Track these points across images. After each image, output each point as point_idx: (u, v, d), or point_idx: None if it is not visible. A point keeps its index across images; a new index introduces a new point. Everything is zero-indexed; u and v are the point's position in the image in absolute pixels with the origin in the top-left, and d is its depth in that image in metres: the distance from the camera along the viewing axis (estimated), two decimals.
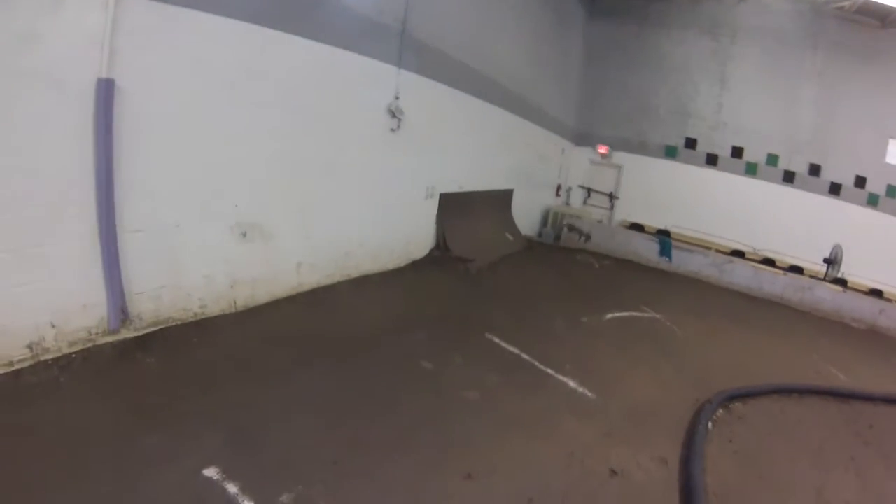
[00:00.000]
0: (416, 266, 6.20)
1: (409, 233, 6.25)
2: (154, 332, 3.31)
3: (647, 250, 10.57)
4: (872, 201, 12.08)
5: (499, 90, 7.69)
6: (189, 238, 3.57)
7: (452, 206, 6.79)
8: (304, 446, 2.63)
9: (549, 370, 4.33)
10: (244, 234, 3.97)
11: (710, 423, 4.30)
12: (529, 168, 9.73)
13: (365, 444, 2.74)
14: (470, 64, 6.78)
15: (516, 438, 3.18)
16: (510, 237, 8.75)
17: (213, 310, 3.78)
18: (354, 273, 5.19)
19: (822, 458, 4.66)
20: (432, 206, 6.62)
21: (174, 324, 3.47)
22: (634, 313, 6.80)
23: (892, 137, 12.00)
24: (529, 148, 9.60)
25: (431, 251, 6.66)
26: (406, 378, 3.58)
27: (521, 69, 8.57)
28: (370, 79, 5.00)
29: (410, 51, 5.42)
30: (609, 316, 6.41)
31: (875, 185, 12.04)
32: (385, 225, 5.66)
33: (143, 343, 3.19)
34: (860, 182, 12.02)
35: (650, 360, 5.37)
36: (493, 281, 6.65)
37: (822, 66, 11.65)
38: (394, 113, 5.32)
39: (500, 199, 8.78)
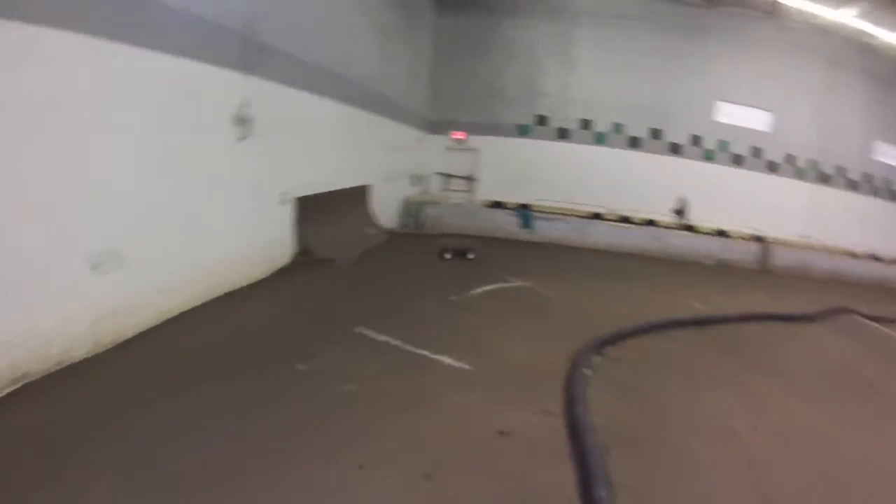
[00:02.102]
0: (281, 273, 7.04)
1: (270, 241, 7.04)
2: (11, 392, 3.50)
3: (508, 225, 12.72)
4: (708, 156, 15.86)
5: (350, 88, 9.03)
6: (37, 277, 3.74)
7: (311, 209, 7.80)
8: (197, 469, 2.95)
9: (424, 351, 5.02)
10: (99, 265, 4.21)
11: (587, 370, 5.16)
12: (385, 162, 11.59)
13: (254, 454, 3.14)
14: (320, 64, 7.83)
15: (401, 421, 3.73)
16: (372, 232, 10.49)
17: (78, 353, 4.05)
18: (219, 290, 5.82)
19: (696, 379, 5.89)
20: (289, 211, 7.48)
21: (34, 377, 3.65)
22: (502, 285, 8.13)
23: (718, 100, 15.97)
24: (384, 142, 11.38)
25: (295, 256, 7.54)
26: (284, 384, 4.07)
27: (372, 66, 10.12)
28: (213, 88, 5.51)
29: (256, 55, 6.09)
30: (478, 291, 7.59)
31: (709, 142, 15.87)
32: (244, 237, 6.38)
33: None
34: (696, 140, 15.74)
35: (523, 325, 6.47)
36: (359, 276, 7.59)
37: (657, 44, 15.24)
38: (241, 121, 5.91)
39: (358, 196, 10.42)
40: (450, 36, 14.37)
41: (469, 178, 14.30)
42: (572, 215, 13.55)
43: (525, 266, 9.58)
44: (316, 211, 7.91)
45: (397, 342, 5.14)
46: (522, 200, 13.87)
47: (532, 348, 5.67)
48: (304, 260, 7.51)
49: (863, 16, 14.03)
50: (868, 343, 9.72)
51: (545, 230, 12.74)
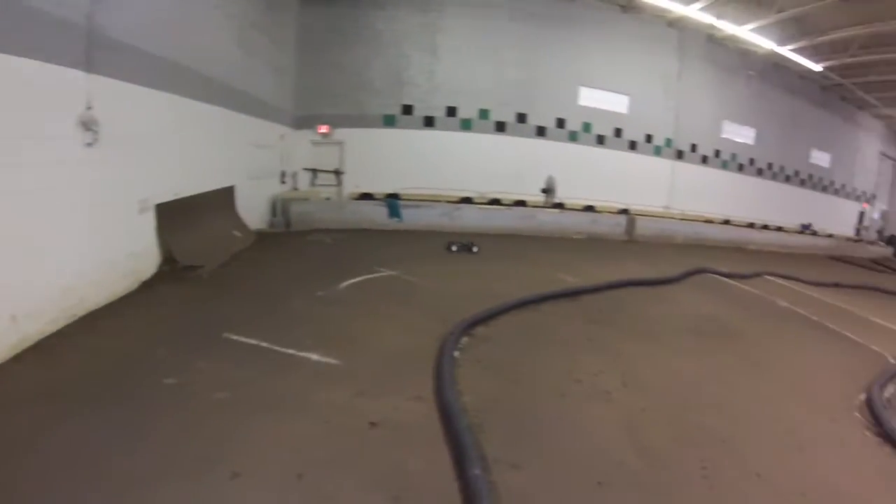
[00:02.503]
0: (147, 286, 6.91)
1: (132, 253, 6.75)
2: None
3: (377, 215, 13.18)
4: (573, 137, 17.38)
5: (210, 85, 8.95)
6: None
7: (173, 215, 7.66)
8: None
9: (291, 350, 5.14)
10: None
11: (456, 352, 5.43)
12: (250, 160, 11.61)
13: (123, 482, 3.09)
14: (175, 61, 7.68)
15: (272, 424, 3.83)
16: (238, 234, 10.55)
17: None
18: (80, 311, 5.58)
19: (566, 348, 6.33)
20: (150, 220, 7.25)
21: None
22: (370, 276, 8.39)
23: (581, 85, 17.48)
24: (248, 140, 11.40)
25: (160, 266, 7.40)
26: (152, 402, 4.01)
27: (232, 61, 10.01)
28: (52, 88, 5.14)
29: (102, 51, 5.77)
30: (345, 284, 7.81)
31: (573, 124, 17.40)
32: (102, 251, 6.10)
33: None
34: (560, 123, 17.20)
35: (391, 314, 6.73)
36: (226, 281, 7.61)
37: (520, 32, 16.39)
38: (87, 125, 5.59)
39: (223, 198, 10.38)
40: (315, 28, 14.62)
41: (337, 172, 14.68)
42: (442, 201, 14.33)
43: (393, 255, 10.00)
44: (179, 217, 7.82)
45: (266, 344, 5.23)
46: (391, 190, 14.44)
47: (401, 336, 5.90)
48: (170, 269, 7.40)
49: (708, 9, 16.02)
50: (725, 297, 11.06)
51: (414, 218, 13.30)
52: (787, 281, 14.33)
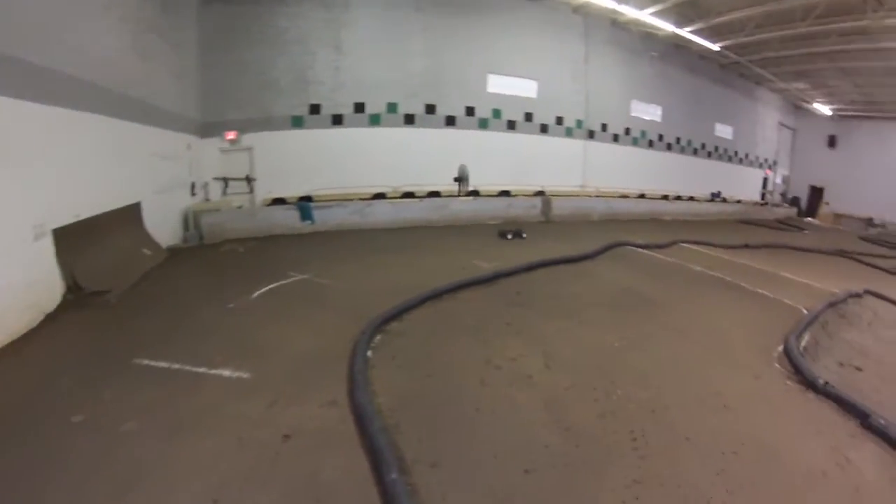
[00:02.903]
0: (50, 318, 6.59)
1: (30, 284, 6.37)
2: None
3: (290, 220, 13.13)
4: (483, 125, 18.08)
5: (103, 96, 8.49)
6: None
7: (74, 239, 7.34)
8: None
9: (202, 369, 5.11)
10: None
11: (369, 352, 5.54)
12: (154, 174, 11.21)
13: None
14: (60, 70, 7.21)
15: (184, 449, 3.81)
16: (148, 252, 10.31)
17: None
18: None
19: (484, 335, 6.46)
20: (48, 246, 6.84)
21: None
22: (283, 282, 8.40)
23: (490, 73, 18.09)
24: (150, 152, 10.94)
25: (64, 295, 7.06)
26: (59, 443, 3.85)
27: (128, 68, 9.51)
28: None
29: None
30: (257, 293, 7.74)
31: (483, 112, 18.06)
32: None
33: None
34: (470, 111, 17.82)
35: (304, 318, 6.75)
36: (136, 303, 7.42)
37: (426, 23, 16.81)
38: None
39: (129, 216, 10.05)
40: (216, 28, 14.09)
41: (248, 179, 14.60)
42: (355, 199, 14.49)
43: (305, 259, 9.98)
44: (82, 240, 7.52)
45: (177, 365, 5.17)
46: (304, 193, 14.54)
47: (313, 340, 5.93)
48: (76, 297, 7.11)
49: None
50: (642, 268, 11.55)
51: (326, 219, 13.40)
52: (700, 247, 15.24)
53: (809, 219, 31.64)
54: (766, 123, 30.72)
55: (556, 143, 20.04)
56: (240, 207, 13.61)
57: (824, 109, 30.06)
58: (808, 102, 30.15)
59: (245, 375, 5.02)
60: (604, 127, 21.61)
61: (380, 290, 7.87)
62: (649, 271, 11.31)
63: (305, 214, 13.03)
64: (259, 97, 14.63)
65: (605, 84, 21.29)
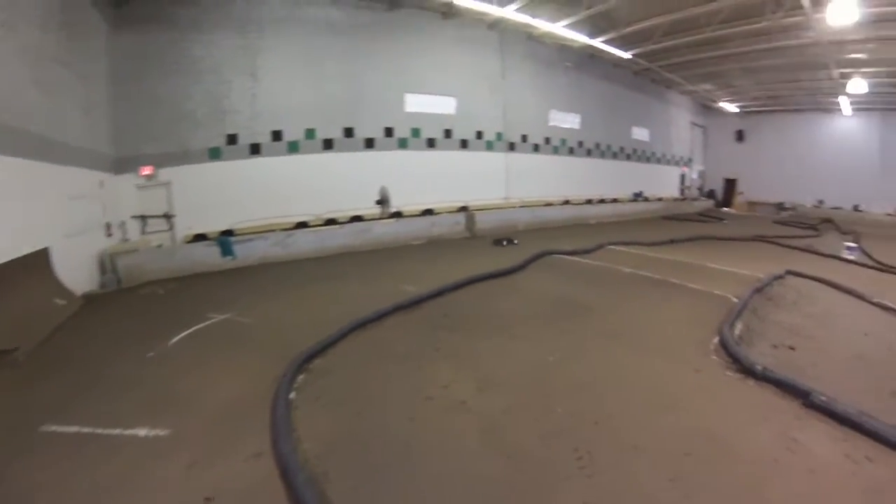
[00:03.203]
0: None
1: None
2: None
3: (210, 257, 12.99)
4: (402, 144, 18.62)
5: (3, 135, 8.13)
6: None
7: None
8: None
9: (117, 430, 4.83)
10: None
11: (292, 394, 5.41)
12: (64, 216, 10.58)
13: None
14: None
15: None
16: (61, 302, 9.79)
17: None
18: None
19: (412, 363, 6.33)
20: None
21: None
22: (204, 324, 8.23)
23: (407, 92, 18.69)
24: (57, 193, 10.29)
25: None
26: None
27: (28, 103, 9.05)
28: None
29: None
30: (175, 339, 7.51)
31: (401, 131, 18.62)
32: None
33: None
34: (389, 132, 18.35)
35: (226, 363, 6.55)
36: (47, 359, 7.02)
37: (343, 48, 17.13)
38: None
39: (35, 264, 9.38)
40: (128, 57, 13.58)
41: (167, 216, 14.28)
42: (277, 230, 14.57)
43: (227, 297, 9.76)
44: None
45: (88, 429, 4.87)
46: (226, 227, 14.42)
47: (235, 387, 5.75)
48: None
49: (523, 10, 17.59)
50: (571, 275, 11.78)
51: (248, 253, 13.30)
52: (627, 247, 15.89)
53: (726, 209, 34.33)
54: (680, 124, 33.24)
55: (477, 158, 20.80)
56: (159, 246, 13.18)
57: (731, 107, 32.83)
58: (715, 102, 32.83)
59: (163, 433, 4.78)
60: (524, 138, 22.60)
61: (304, 325, 7.77)
62: (579, 278, 11.50)
63: (226, 250, 12.91)
64: (175, 129, 14.34)
65: (523, 96, 22.30)
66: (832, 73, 22.91)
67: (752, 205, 34.87)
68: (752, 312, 8.99)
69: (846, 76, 23.18)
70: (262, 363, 6.37)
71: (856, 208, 30.81)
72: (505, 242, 15.58)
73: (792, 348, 7.46)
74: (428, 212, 18.54)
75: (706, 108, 35.91)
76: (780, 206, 32.87)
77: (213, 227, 14.39)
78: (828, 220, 27.72)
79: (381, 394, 5.54)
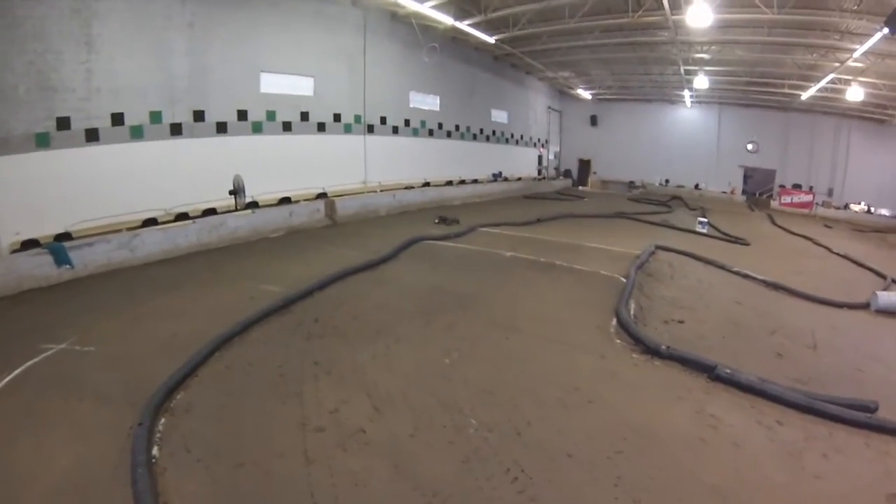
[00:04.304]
0: None
1: None
2: None
3: (43, 268, 11.20)
4: (257, 129, 18.27)
5: None
6: None
7: None
8: None
9: None
10: None
11: (155, 448, 4.65)
12: None
13: None
14: None
15: None
16: None
17: None
18: None
19: (289, 385, 5.90)
20: None
21: None
22: (33, 360, 6.74)
23: (262, 71, 18.25)
24: None
25: None
26: None
27: None
28: None
29: None
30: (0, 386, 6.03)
31: (256, 114, 18.22)
32: None
33: None
34: (243, 115, 17.91)
35: (61, 418, 5.33)
36: None
37: (191, 17, 16.18)
38: None
39: None
40: None
41: None
42: (123, 229, 13.46)
43: (62, 319, 8.34)
44: None
45: None
46: (63, 229, 13.05)
47: (76, 454, 4.69)
48: None
49: None
50: (447, 262, 11.90)
51: (88, 259, 11.95)
52: (498, 228, 16.82)
53: (583, 187, 38.24)
54: (537, 108, 36.58)
55: (335, 142, 20.96)
56: None
57: (586, 94, 36.57)
58: (572, 88, 36.46)
59: None
60: (383, 120, 23.05)
61: (157, 348, 7.00)
62: (455, 264, 11.65)
63: (61, 258, 11.35)
64: None
65: (384, 77, 22.64)
66: (680, 69, 26.54)
67: (605, 183, 39.61)
68: (639, 289, 9.77)
69: (691, 73, 27.14)
70: (111, 408, 5.47)
71: (696, 186, 37.60)
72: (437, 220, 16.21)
73: (681, 322, 8.39)
74: (286, 200, 18.38)
75: (562, 93, 40.18)
76: (631, 185, 37.90)
77: (48, 230, 12.80)
78: (677, 198, 33.02)
79: (263, 431, 4.99)
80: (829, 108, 30.98)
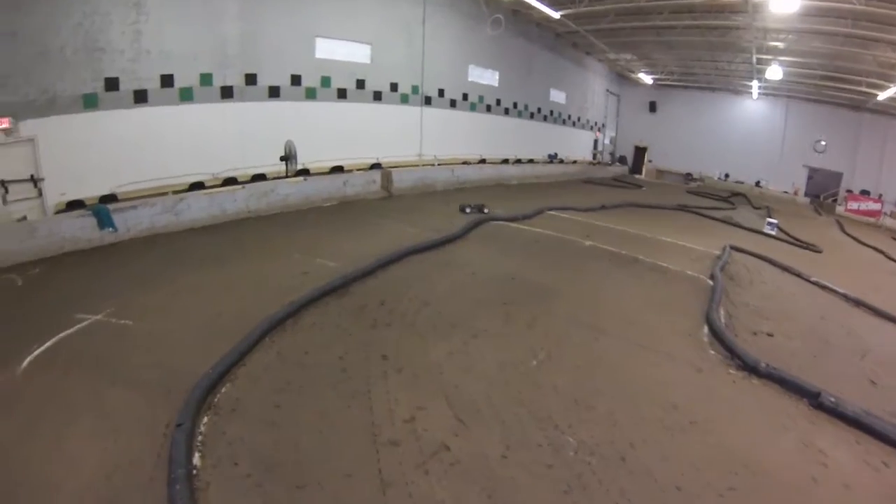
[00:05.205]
0: None
1: None
2: None
3: (85, 230, 10.79)
4: (311, 94, 17.30)
5: None
6: None
7: None
8: None
9: None
10: None
11: (196, 456, 3.92)
12: None
13: None
14: None
15: None
16: None
17: None
18: None
19: (354, 383, 5.05)
20: None
21: None
22: (68, 331, 6.21)
23: (317, 36, 17.31)
24: None
25: None
26: None
27: None
28: None
29: None
30: (28, 360, 5.54)
31: (310, 80, 17.26)
32: None
33: None
34: (296, 80, 16.94)
35: (93, 404, 4.76)
36: None
37: None
38: None
39: None
40: None
41: (34, 180, 11.94)
42: (169, 192, 13.01)
43: (101, 287, 7.74)
44: None
45: None
46: (108, 191, 12.68)
47: (107, 450, 4.06)
48: None
49: None
50: (519, 247, 11.24)
51: (132, 223, 11.51)
52: (566, 212, 15.99)
53: (637, 175, 36.39)
54: (595, 90, 34.94)
55: (390, 112, 19.90)
56: (22, 219, 10.87)
57: (647, 79, 34.55)
58: (632, 72, 34.58)
59: None
60: (441, 92, 21.90)
61: (199, 328, 6.28)
62: (529, 250, 10.84)
63: (105, 221, 10.95)
64: (37, 73, 11.90)
65: (442, 48, 21.41)
66: (752, 57, 24.39)
67: (660, 172, 37.57)
68: (725, 295, 9.16)
69: (763, 62, 24.88)
70: (145, 398, 4.74)
71: (757, 184, 34.78)
72: (469, 210, 14.58)
73: (770, 335, 7.84)
74: (337, 169, 17.59)
75: (622, 77, 38.31)
76: (688, 177, 35.72)
77: (93, 191, 12.45)
78: (739, 194, 30.88)
79: (326, 442, 4.17)
80: None
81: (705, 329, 7.60)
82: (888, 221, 28.72)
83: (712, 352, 6.83)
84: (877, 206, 29.76)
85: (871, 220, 29.12)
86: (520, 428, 4.60)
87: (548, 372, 5.72)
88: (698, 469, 4.36)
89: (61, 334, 6.16)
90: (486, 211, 14.58)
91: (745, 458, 4.56)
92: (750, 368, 6.37)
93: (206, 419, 4.43)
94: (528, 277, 8.96)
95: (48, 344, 5.90)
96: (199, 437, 4.20)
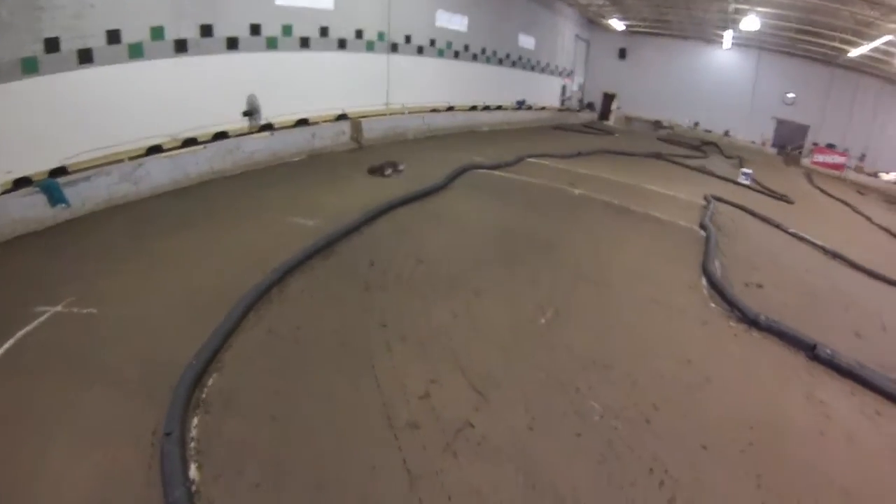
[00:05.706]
0: None
1: None
2: None
3: (35, 209, 9.59)
4: (272, 44, 16.13)
5: None
6: None
7: None
8: None
9: None
10: None
11: (192, 472, 3.43)
12: None
13: None
14: None
15: None
16: None
17: None
18: None
19: (356, 356, 4.67)
20: None
21: None
22: (24, 330, 5.37)
23: None
24: None
25: None
26: None
27: None
28: None
29: None
30: None
31: (270, 29, 16.02)
32: None
33: None
34: (256, 30, 15.70)
35: (60, 412, 4.14)
36: None
37: None
38: None
39: None
40: None
41: None
42: (125, 159, 11.82)
43: (59, 271, 6.81)
44: None
45: None
46: (56, 164, 11.24)
47: (88, 471, 3.52)
48: None
49: None
50: (507, 197, 10.94)
51: (86, 196, 10.37)
52: (545, 159, 15.78)
53: (606, 122, 36.07)
54: (565, 35, 34.22)
55: (356, 60, 18.91)
56: None
57: (619, 25, 33.83)
58: (604, 18, 33.83)
59: None
60: (407, 39, 20.85)
61: (174, 308, 5.58)
62: (518, 199, 10.52)
63: (55, 196, 9.85)
64: None
65: None
66: (730, 6, 23.76)
67: (628, 119, 37.28)
68: (716, 246, 9.24)
69: (741, 12, 24.29)
70: (126, 400, 4.15)
71: (725, 133, 34.85)
72: (389, 171, 12.46)
73: (760, 286, 7.97)
74: (303, 122, 16.58)
75: (592, 22, 37.27)
76: (657, 124, 35.53)
77: (42, 165, 11.09)
78: (710, 143, 31.13)
79: (338, 431, 3.74)
80: (878, 71, 27.97)
81: (703, 281, 7.62)
82: (851, 175, 30.23)
83: (713, 304, 6.87)
84: (841, 160, 30.56)
85: (836, 172, 30.54)
86: (541, 395, 4.42)
87: (558, 331, 5.54)
88: (719, 427, 4.41)
89: (19, 333, 5.27)
90: (400, 169, 12.87)
91: (759, 415, 4.63)
92: (750, 321, 6.48)
93: (196, 420, 3.88)
94: (523, 229, 8.71)
95: (7, 346, 5.06)
96: (193, 445, 3.63)
